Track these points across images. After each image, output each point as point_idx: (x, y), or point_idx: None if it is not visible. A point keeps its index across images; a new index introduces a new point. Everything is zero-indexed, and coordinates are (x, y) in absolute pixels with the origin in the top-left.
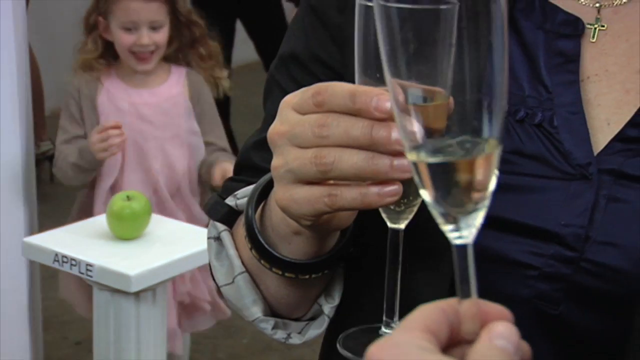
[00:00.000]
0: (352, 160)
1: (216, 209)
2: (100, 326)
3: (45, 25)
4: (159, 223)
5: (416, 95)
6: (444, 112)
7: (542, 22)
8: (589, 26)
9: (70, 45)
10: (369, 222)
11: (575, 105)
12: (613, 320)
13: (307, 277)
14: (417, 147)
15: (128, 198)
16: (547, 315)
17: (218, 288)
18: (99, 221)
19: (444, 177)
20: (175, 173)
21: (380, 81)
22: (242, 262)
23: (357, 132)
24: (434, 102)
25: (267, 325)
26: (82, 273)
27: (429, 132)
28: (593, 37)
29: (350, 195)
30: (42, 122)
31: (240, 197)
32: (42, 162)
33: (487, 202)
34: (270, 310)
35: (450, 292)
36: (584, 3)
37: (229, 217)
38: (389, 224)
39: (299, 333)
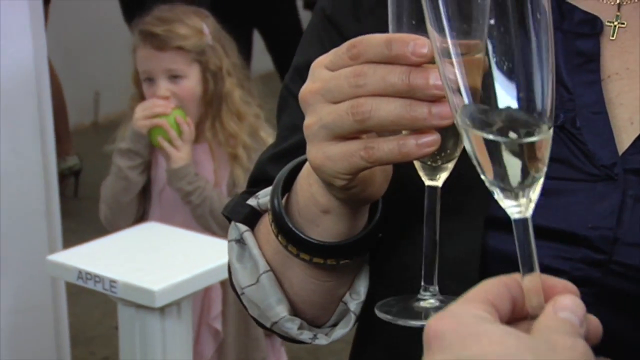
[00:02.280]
0: (389, 107)
1: (237, 210)
2: (126, 342)
3: (65, 41)
4: (181, 236)
5: (456, 48)
6: (480, 65)
7: (559, 23)
8: (608, 24)
9: (91, 59)
10: (396, 196)
11: (598, 105)
12: None
13: (334, 262)
14: (471, 120)
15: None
16: None
17: (238, 296)
18: (122, 237)
19: (503, 155)
20: None
21: (414, 28)
22: (266, 262)
23: (394, 79)
24: (471, 56)
25: (293, 325)
26: (106, 289)
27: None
28: (613, 34)
29: (387, 146)
30: (67, 137)
31: (261, 197)
32: (68, 177)
33: (544, 173)
34: (294, 315)
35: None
36: (604, 1)
37: (250, 218)
38: (426, 182)
39: (325, 334)
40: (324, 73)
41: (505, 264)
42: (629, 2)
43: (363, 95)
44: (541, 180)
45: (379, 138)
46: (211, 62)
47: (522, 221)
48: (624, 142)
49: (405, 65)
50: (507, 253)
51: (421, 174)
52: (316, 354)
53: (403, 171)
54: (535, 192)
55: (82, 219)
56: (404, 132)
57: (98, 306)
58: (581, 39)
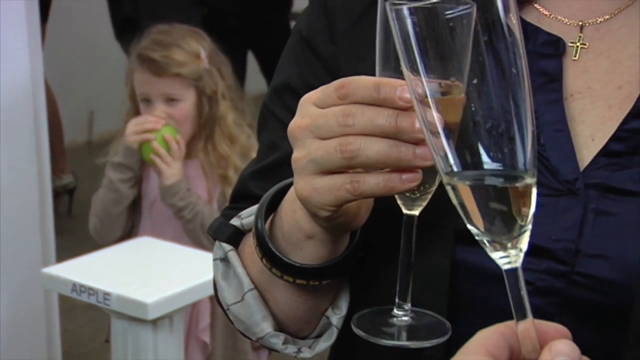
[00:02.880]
0: (377, 147)
1: (221, 230)
2: (118, 354)
3: (61, 59)
4: (174, 251)
5: (434, 90)
6: (460, 105)
7: (524, 43)
8: (571, 44)
9: (86, 78)
10: (376, 220)
11: (560, 122)
12: (608, 333)
13: (317, 283)
14: (457, 176)
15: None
16: None
17: (224, 311)
18: (116, 251)
19: (491, 207)
20: None
21: (401, 74)
22: (251, 280)
23: (382, 121)
24: (451, 96)
25: (278, 340)
26: (100, 302)
27: (448, 130)
28: (575, 55)
29: (373, 181)
30: (62, 155)
31: (244, 217)
32: (62, 194)
33: (530, 225)
34: (279, 329)
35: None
36: (567, 22)
37: (234, 237)
38: (404, 211)
39: (309, 347)
40: (313, 110)
41: (473, 276)
42: (590, 23)
43: (351, 134)
44: (528, 232)
45: (365, 173)
46: (207, 86)
47: (513, 271)
48: (585, 158)
49: (392, 108)
50: (475, 265)
51: (400, 203)
52: None
53: (382, 199)
54: (523, 243)
55: (75, 236)
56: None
57: (89, 323)
58: (545, 59)
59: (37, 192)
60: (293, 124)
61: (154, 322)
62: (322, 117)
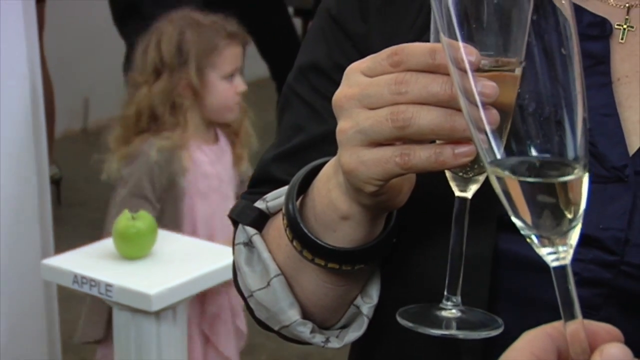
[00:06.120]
0: (430, 116)
1: (245, 213)
2: (121, 346)
3: (55, 45)
4: (177, 241)
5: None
6: (515, 82)
7: None
8: (617, 27)
9: (81, 64)
10: (414, 203)
11: (609, 107)
12: None
13: (349, 268)
14: (504, 166)
15: (133, 218)
16: None
17: (244, 298)
18: None
19: (540, 200)
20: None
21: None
22: (277, 265)
23: (437, 88)
24: (506, 70)
25: (305, 328)
26: (102, 293)
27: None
28: (622, 37)
29: (424, 154)
30: (50, 146)
31: (270, 200)
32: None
33: (580, 220)
34: (304, 318)
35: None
36: (613, 4)
37: (258, 221)
38: (457, 193)
39: (337, 337)
40: (361, 78)
41: (516, 266)
42: (636, 5)
43: (403, 103)
44: (579, 227)
45: (416, 145)
46: None
47: (561, 269)
48: (634, 144)
49: (447, 75)
50: (518, 255)
51: (452, 184)
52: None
53: (424, 180)
54: (572, 239)
55: (66, 225)
56: (437, 142)
57: None
58: (590, 41)
59: (36, 182)
60: (339, 94)
61: (157, 314)
62: (372, 86)
